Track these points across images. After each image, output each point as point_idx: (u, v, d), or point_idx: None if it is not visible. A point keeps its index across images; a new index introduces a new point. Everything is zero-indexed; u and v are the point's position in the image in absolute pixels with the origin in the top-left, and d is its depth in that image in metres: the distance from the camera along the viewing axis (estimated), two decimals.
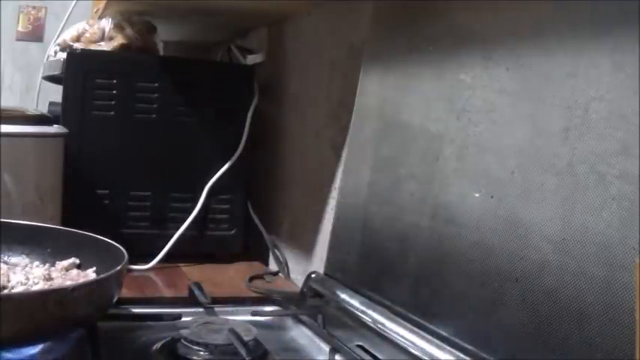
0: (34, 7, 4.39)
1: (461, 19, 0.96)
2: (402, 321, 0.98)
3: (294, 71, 1.60)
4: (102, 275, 0.93)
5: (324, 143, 1.37)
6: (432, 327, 0.92)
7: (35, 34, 4.37)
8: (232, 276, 1.44)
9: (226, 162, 1.52)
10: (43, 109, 1.69)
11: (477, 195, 0.87)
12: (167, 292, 1.34)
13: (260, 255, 1.60)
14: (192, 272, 1.43)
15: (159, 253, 1.45)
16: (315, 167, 1.42)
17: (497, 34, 0.88)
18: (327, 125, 1.38)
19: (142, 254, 1.39)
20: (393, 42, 1.14)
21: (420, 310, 0.96)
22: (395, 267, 1.03)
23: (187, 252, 1.50)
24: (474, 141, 0.89)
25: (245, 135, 1.53)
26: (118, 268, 0.92)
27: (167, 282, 1.37)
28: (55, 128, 1.37)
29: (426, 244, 0.97)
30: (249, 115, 1.54)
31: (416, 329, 0.95)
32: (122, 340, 1.00)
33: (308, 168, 1.48)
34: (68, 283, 0.99)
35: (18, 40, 4.39)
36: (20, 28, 4.41)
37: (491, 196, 0.85)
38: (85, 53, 1.53)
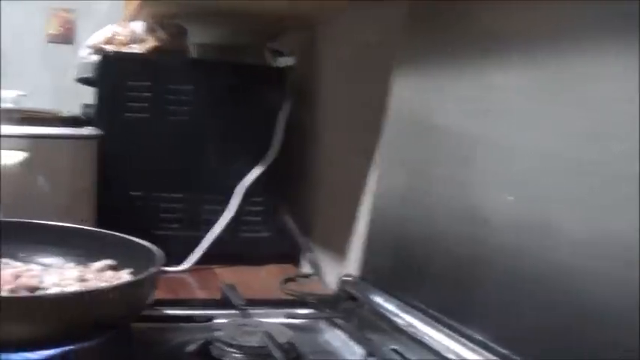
0: (64, 10, 4.43)
1: (493, 21, 0.95)
2: (436, 324, 0.97)
3: (326, 73, 1.60)
4: (137, 277, 0.94)
5: (358, 146, 1.37)
6: (466, 330, 0.91)
7: (66, 37, 4.42)
8: (265, 278, 1.44)
9: (260, 164, 1.52)
10: (75, 111, 1.70)
11: (509, 198, 0.86)
12: (200, 294, 1.34)
13: (293, 257, 1.59)
14: (225, 274, 1.43)
15: (191, 254, 1.45)
16: (349, 170, 1.41)
17: (528, 36, 0.87)
18: (360, 127, 1.37)
19: (174, 256, 1.39)
20: (427, 44, 1.13)
21: (453, 314, 0.95)
22: (429, 270, 1.03)
23: (220, 254, 1.49)
24: (506, 143, 0.88)
25: (278, 137, 1.53)
26: (154, 270, 0.92)
27: (200, 284, 1.38)
28: (88, 130, 1.38)
29: (459, 247, 0.96)
30: (282, 117, 1.54)
31: (450, 332, 0.94)
32: (155, 341, 1.00)
33: (341, 170, 1.47)
34: (102, 284, 0.99)
35: (49, 42, 4.44)
36: (51, 31, 4.45)
37: (523, 199, 0.84)
38: (118, 56, 1.54)
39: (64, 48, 4.37)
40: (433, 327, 0.97)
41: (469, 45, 1.00)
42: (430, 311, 1.00)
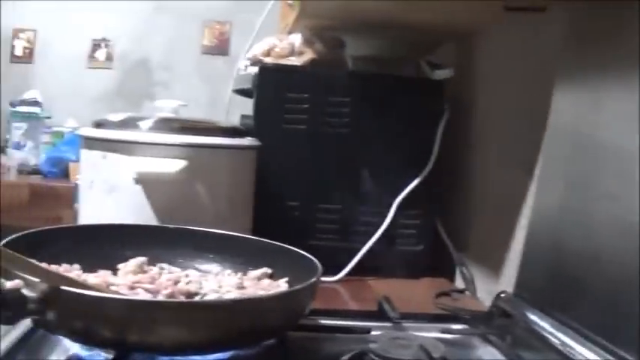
0: (218, 22, 4.55)
1: None
2: (591, 345, 0.94)
3: (484, 86, 1.58)
4: (296, 287, 0.94)
5: (515, 160, 1.35)
6: (622, 352, 0.89)
7: (220, 48, 4.53)
8: (418, 292, 1.44)
9: (416, 177, 1.52)
10: (229, 121, 1.73)
11: None
12: (353, 305, 1.34)
13: (446, 272, 1.58)
14: (378, 286, 1.43)
15: (345, 265, 1.46)
16: (506, 184, 1.40)
17: None
18: (518, 142, 1.35)
19: (328, 266, 1.40)
20: (587, 57, 1.10)
21: (610, 335, 0.92)
22: (585, 288, 1.00)
23: (374, 266, 1.50)
24: None
25: (435, 150, 1.53)
26: (313, 280, 0.92)
27: (353, 295, 1.38)
28: (248, 140, 1.40)
29: (617, 265, 0.93)
30: (439, 130, 1.53)
31: (606, 354, 0.91)
32: (310, 350, 1.01)
33: (498, 185, 1.45)
34: (261, 292, 1.00)
35: (204, 53, 4.56)
36: (206, 42, 4.57)
37: None
38: (278, 68, 1.57)
39: (218, 59, 4.48)
40: (589, 348, 0.95)
41: (632, 58, 0.97)
42: (586, 331, 0.97)
